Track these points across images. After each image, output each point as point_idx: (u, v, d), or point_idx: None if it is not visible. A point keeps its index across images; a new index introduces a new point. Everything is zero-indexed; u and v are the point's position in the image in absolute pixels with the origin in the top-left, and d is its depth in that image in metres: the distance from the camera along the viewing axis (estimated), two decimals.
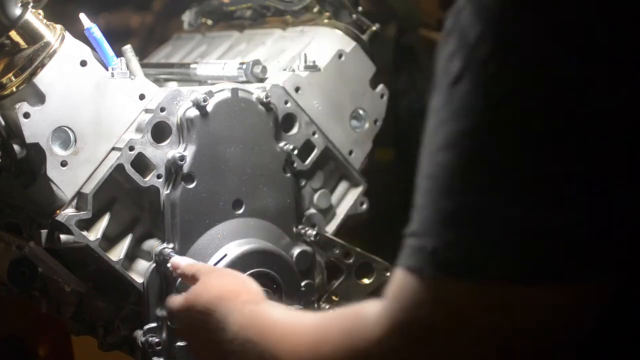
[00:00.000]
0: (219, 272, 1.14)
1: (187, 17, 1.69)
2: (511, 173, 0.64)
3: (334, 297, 1.39)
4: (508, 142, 0.64)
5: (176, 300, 1.10)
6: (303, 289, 1.30)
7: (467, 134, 0.65)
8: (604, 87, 0.62)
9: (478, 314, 0.66)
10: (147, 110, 1.21)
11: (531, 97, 0.63)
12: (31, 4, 1.17)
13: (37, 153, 1.14)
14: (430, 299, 0.67)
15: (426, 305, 0.67)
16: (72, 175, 1.16)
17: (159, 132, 1.20)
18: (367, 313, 0.74)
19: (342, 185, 1.41)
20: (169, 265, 1.16)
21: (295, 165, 1.31)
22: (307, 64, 1.34)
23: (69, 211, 1.16)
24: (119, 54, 1.23)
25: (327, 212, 1.38)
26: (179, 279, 1.18)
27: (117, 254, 1.19)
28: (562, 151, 0.63)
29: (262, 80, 1.32)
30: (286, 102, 1.31)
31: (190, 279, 1.10)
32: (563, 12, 0.63)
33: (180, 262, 1.15)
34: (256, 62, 1.31)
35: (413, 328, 0.69)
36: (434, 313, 0.67)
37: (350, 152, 1.39)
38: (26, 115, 1.12)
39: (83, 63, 1.17)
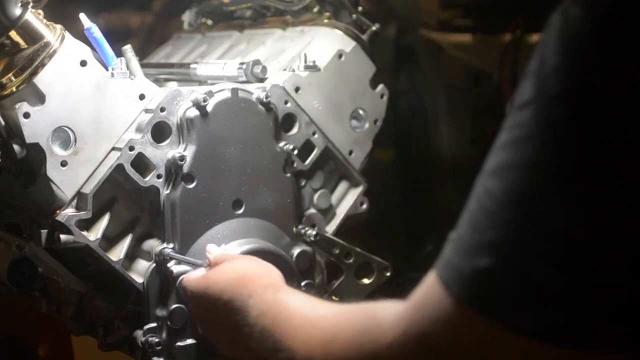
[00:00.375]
0: (241, 257, 1.15)
1: (187, 17, 1.69)
2: (557, 234, 0.61)
3: (334, 297, 1.39)
4: (559, 197, 0.61)
5: (193, 279, 1.10)
6: (303, 289, 1.30)
7: (518, 168, 0.63)
8: None
9: (494, 356, 0.64)
10: (147, 110, 1.21)
11: (592, 153, 0.60)
12: (31, 4, 1.17)
13: (37, 153, 1.14)
14: (453, 322, 0.65)
15: (446, 325, 0.66)
16: (72, 175, 1.16)
17: (159, 132, 1.20)
18: (383, 315, 0.72)
19: (342, 185, 1.41)
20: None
21: (295, 165, 1.31)
22: (307, 64, 1.34)
23: (69, 211, 1.16)
24: (119, 54, 1.23)
25: (327, 212, 1.38)
26: (180, 279, 1.19)
27: (117, 254, 1.19)
28: (616, 215, 0.60)
29: (262, 80, 1.32)
30: (286, 102, 1.31)
31: (213, 264, 1.11)
32: None
33: (213, 249, 1.18)
34: (256, 62, 1.31)
35: (427, 343, 0.67)
36: (452, 337, 0.66)
37: (350, 152, 1.39)
38: (26, 115, 1.12)
39: (83, 63, 1.17)
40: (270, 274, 1.06)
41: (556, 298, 0.61)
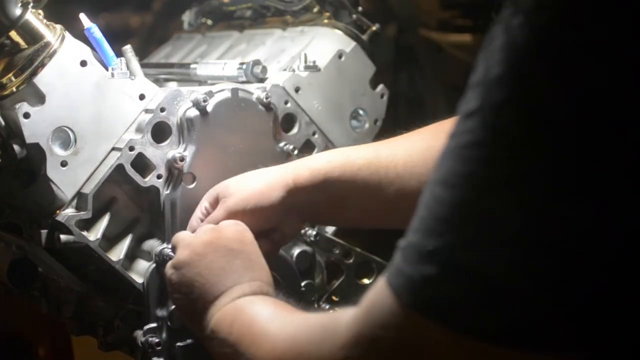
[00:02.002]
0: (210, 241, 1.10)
1: (187, 17, 1.69)
2: (496, 230, 0.62)
3: (334, 297, 1.39)
4: (504, 203, 0.62)
5: (168, 266, 1.10)
6: (303, 289, 1.30)
7: (465, 176, 0.63)
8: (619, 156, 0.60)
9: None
10: (147, 111, 1.21)
11: (535, 159, 0.61)
12: (31, 4, 1.17)
13: (37, 153, 1.14)
14: (401, 327, 0.66)
15: (396, 331, 0.67)
16: (72, 175, 1.16)
17: (159, 132, 1.20)
18: (342, 320, 0.73)
19: None
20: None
21: None
22: (307, 64, 1.34)
23: (69, 211, 1.16)
24: (119, 54, 1.23)
25: None
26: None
27: (117, 254, 1.19)
28: (563, 218, 0.60)
29: (262, 80, 1.32)
30: (286, 102, 1.31)
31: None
32: (588, 81, 0.60)
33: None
34: (256, 62, 1.31)
35: (378, 347, 0.68)
36: (402, 343, 0.66)
37: None
38: (26, 115, 1.12)
39: (83, 63, 1.17)
40: (252, 272, 1.06)
41: (504, 301, 0.62)
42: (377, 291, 0.70)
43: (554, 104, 0.60)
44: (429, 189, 0.67)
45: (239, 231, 1.10)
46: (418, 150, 1.14)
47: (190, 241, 1.10)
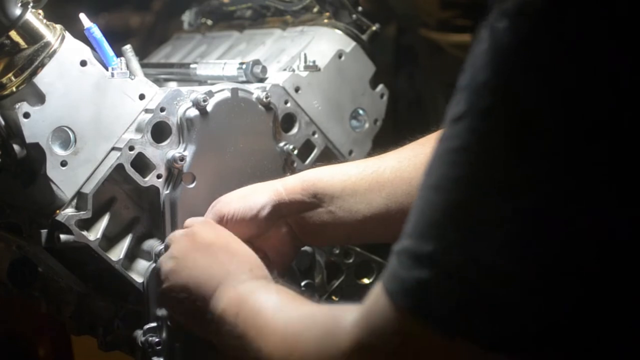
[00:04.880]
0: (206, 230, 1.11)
1: (187, 17, 1.69)
2: (492, 230, 0.62)
3: (333, 297, 1.39)
4: (494, 207, 0.62)
5: (162, 258, 1.09)
6: (303, 289, 1.30)
7: (454, 180, 0.64)
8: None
9: None
10: (147, 110, 1.21)
11: (523, 163, 0.61)
12: (31, 4, 1.17)
13: (37, 153, 1.14)
14: (398, 332, 0.66)
15: (393, 335, 0.67)
16: (72, 175, 1.16)
17: (159, 132, 1.20)
18: (345, 321, 0.73)
19: None
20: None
21: (295, 165, 1.31)
22: (307, 64, 1.34)
23: (69, 211, 1.16)
24: (119, 54, 1.23)
25: None
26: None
27: (117, 254, 1.19)
28: (553, 223, 0.61)
29: (262, 80, 1.32)
30: (286, 102, 1.31)
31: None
32: (573, 85, 0.60)
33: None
34: (256, 62, 1.31)
35: (378, 352, 0.69)
36: (400, 347, 0.67)
37: (350, 152, 1.39)
38: (26, 115, 1.12)
39: (83, 63, 1.17)
40: (239, 253, 1.05)
41: (496, 306, 0.62)
42: (374, 296, 0.70)
43: (539, 109, 0.60)
44: (421, 193, 0.67)
45: (207, 224, 1.12)
46: (406, 157, 1.15)
47: (170, 252, 1.10)
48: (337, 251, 1.37)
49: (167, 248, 1.12)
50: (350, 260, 1.38)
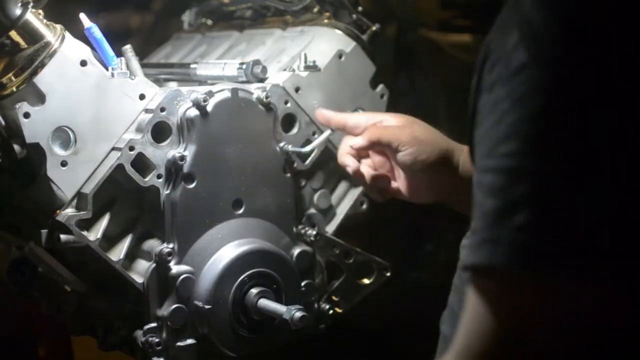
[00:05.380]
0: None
1: (187, 17, 1.69)
2: (577, 158, 0.63)
3: (334, 297, 1.39)
4: (576, 126, 0.63)
5: None
6: (303, 289, 1.30)
7: (535, 118, 0.64)
8: None
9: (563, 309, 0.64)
10: (147, 110, 1.21)
11: (598, 83, 0.62)
12: (31, 4, 1.17)
13: (37, 153, 1.14)
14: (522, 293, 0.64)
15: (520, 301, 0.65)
16: (72, 175, 1.16)
17: (159, 132, 1.20)
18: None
19: (342, 185, 1.41)
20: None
21: (295, 165, 1.31)
22: (307, 64, 1.34)
23: (69, 211, 1.16)
24: (119, 54, 1.23)
25: (327, 212, 1.38)
26: (180, 278, 1.18)
27: (117, 254, 1.19)
28: (625, 143, 0.62)
29: (262, 80, 1.32)
30: (286, 102, 1.31)
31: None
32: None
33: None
34: (256, 62, 1.31)
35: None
36: (533, 310, 0.65)
37: None
38: (26, 115, 1.12)
39: (83, 63, 1.17)
40: None
41: (586, 237, 0.62)
42: (471, 299, 0.67)
43: (608, 34, 0.62)
44: (484, 159, 0.67)
45: None
46: None
47: None
48: (337, 251, 1.37)
49: None
50: (351, 261, 1.38)
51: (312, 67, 1.34)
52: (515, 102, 0.64)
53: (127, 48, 1.25)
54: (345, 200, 1.41)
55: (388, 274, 1.41)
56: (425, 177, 1.22)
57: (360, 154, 1.27)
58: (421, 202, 1.28)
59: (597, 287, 0.62)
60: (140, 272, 1.20)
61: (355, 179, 1.29)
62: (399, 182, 1.26)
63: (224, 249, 1.23)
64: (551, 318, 0.64)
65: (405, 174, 1.24)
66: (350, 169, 1.26)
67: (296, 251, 1.30)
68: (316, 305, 1.34)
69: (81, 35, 1.21)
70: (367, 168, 1.27)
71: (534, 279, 0.63)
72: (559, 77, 0.63)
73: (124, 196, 1.21)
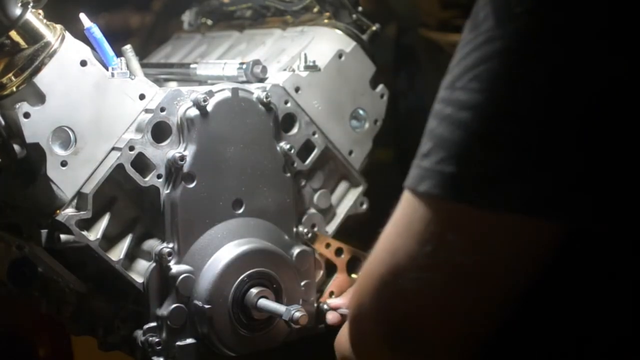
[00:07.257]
0: None
1: (187, 17, 1.69)
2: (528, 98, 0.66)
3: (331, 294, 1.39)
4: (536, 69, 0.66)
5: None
6: (303, 288, 1.30)
7: (494, 56, 0.68)
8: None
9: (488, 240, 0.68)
10: (147, 110, 1.21)
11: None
12: (31, 4, 1.17)
13: (37, 153, 1.14)
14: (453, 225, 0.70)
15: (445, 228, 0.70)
16: (72, 175, 1.16)
17: (159, 132, 1.20)
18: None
19: (342, 185, 1.41)
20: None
21: (295, 165, 1.31)
22: (307, 64, 1.34)
23: (69, 211, 1.16)
24: (119, 54, 1.23)
25: (327, 212, 1.38)
26: (180, 278, 1.19)
27: (117, 254, 1.19)
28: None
29: (262, 80, 1.32)
30: (286, 102, 1.31)
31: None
32: None
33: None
34: (256, 62, 1.31)
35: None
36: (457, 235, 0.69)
37: (350, 152, 1.39)
38: (26, 115, 1.13)
39: (83, 63, 1.17)
40: None
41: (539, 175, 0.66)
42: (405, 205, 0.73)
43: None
44: (445, 91, 0.75)
45: None
46: None
47: None
48: (330, 248, 1.37)
49: None
50: (341, 257, 1.38)
51: (312, 67, 1.34)
52: (475, 46, 0.72)
53: (127, 48, 1.25)
54: (345, 200, 1.41)
55: None
56: None
57: None
58: None
59: (493, 216, 0.67)
60: (140, 272, 1.21)
61: None
62: None
63: (224, 248, 1.23)
64: (457, 242, 0.69)
65: None
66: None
67: (296, 251, 1.30)
68: (315, 305, 1.34)
69: (81, 35, 1.21)
70: None
71: (446, 204, 0.69)
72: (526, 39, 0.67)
73: (124, 196, 1.21)
